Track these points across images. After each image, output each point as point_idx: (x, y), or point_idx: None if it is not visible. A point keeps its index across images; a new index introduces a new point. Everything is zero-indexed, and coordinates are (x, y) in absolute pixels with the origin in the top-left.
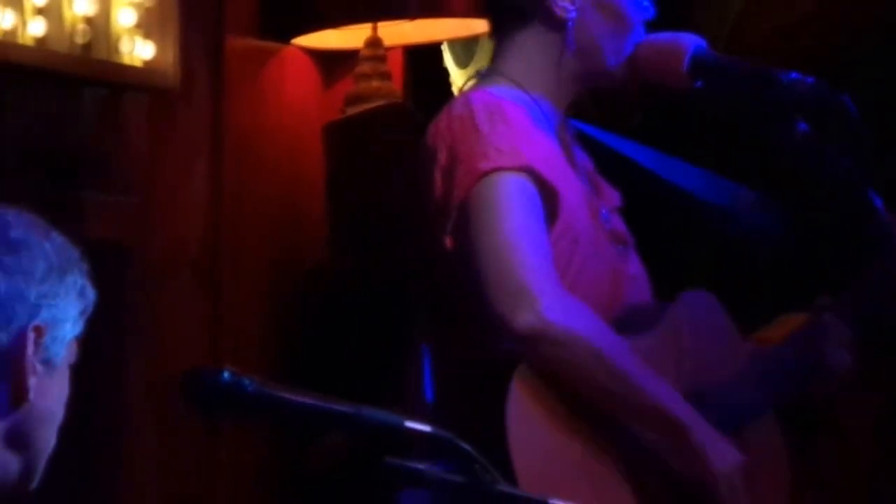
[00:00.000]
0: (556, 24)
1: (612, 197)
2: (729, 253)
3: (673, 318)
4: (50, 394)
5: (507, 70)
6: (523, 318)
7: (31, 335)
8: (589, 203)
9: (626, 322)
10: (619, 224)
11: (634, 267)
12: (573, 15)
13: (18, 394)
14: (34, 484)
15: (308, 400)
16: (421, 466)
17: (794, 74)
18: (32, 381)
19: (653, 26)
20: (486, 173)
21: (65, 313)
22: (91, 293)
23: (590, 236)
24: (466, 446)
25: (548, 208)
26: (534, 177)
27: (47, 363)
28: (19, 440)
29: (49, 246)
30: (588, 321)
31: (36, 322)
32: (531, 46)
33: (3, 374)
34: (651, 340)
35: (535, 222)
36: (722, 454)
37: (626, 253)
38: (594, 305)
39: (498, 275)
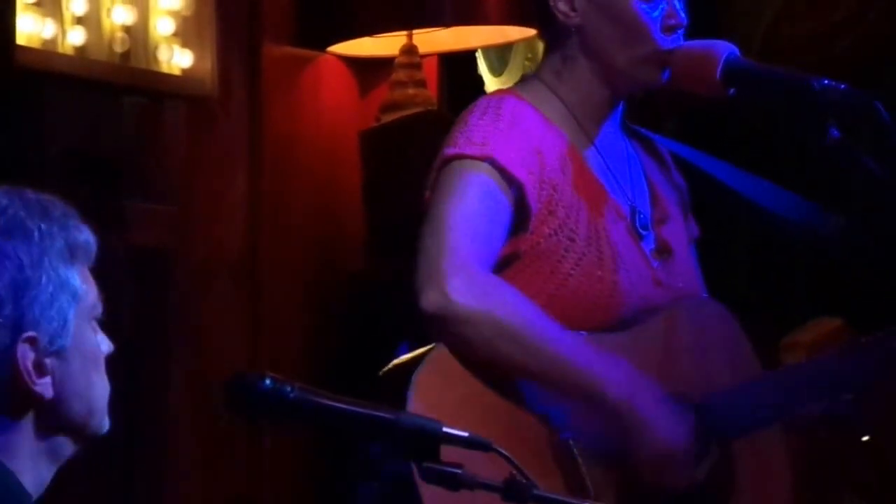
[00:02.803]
0: (566, 30)
1: (669, 207)
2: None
3: (665, 321)
4: (73, 374)
5: (542, 73)
6: (430, 298)
7: (22, 348)
8: (616, 206)
9: (625, 322)
10: (668, 234)
11: (673, 277)
12: (577, 21)
13: (28, 404)
14: (104, 429)
15: (348, 406)
16: (458, 470)
17: (826, 81)
18: (45, 384)
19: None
20: (449, 159)
21: (55, 300)
22: (84, 241)
23: (595, 234)
24: (505, 452)
25: (514, 196)
26: (496, 168)
27: (59, 353)
28: (56, 428)
29: (14, 248)
30: (501, 301)
31: (25, 335)
32: (553, 51)
33: (2, 395)
34: (626, 337)
35: (479, 208)
36: (659, 436)
37: (665, 263)
38: (587, 301)
39: (423, 257)
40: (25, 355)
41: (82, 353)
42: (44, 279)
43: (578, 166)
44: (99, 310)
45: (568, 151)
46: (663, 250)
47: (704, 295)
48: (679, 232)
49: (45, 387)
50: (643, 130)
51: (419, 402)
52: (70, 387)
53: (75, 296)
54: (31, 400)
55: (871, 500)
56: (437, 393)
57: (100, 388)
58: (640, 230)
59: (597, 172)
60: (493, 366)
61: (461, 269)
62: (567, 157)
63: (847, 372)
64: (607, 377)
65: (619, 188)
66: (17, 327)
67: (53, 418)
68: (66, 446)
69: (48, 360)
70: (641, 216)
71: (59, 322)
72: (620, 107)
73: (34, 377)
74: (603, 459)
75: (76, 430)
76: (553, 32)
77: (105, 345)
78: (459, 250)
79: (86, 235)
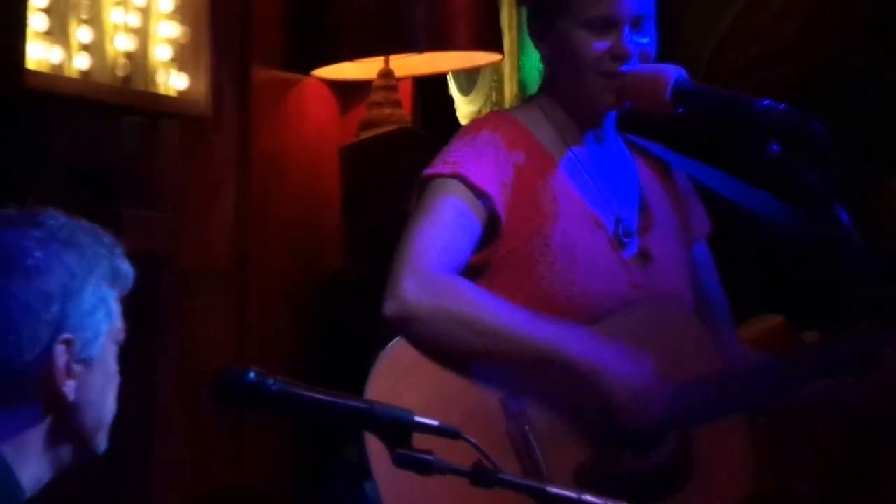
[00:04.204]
0: (545, 60)
1: (657, 216)
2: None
3: (625, 318)
4: (93, 385)
5: (537, 93)
6: (389, 305)
7: (59, 349)
8: (592, 215)
9: (596, 320)
10: (651, 241)
11: (654, 280)
12: (546, 52)
13: (53, 403)
14: (102, 448)
15: (326, 397)
16: (429, 457)
17: (767, 101)
18: (70, 386)
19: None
20: (426, 178)
21: (94, 312)
22: (126, 271)
23: (573, 241)
24: (472, 440)
25: (485, 210)
26: (465, 183)
27: (86, 361)
28: (66, 434)
29: (68, 258)
30: (451, 295)
31: (63, 336)
32: (543, 76)
33: (34, 390)
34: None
35: (444, 220)
36: (621, 375)
37: (648, 265)
38: (559, 301)
39: (390, 269)
40: (60, 355)
41: (104, 368)
42: (88, 291)
43: (558, 180)
44: (122, 337)
45: (549, 166)
46: (645, 256)
47: (682, 298)
48: (665, 238)
49: (69, 389)
50: (645, 143)
51: (374, 397)
52: (89, 395)
53: (110, 315)
54: (56, 399)
55: (811, 480)
56: (391, 387)
57: (110, 405)
58: (623, 238)
59: (576, 186)
60: (456, 355)
61: (414, 272)
62: (547, 172)
63: (802, 370)
64: (566, 341)
65: (601, 200)
66: (58, 328)
67: (68, 423)
68: (68, 456)
69: (76, 366)
70: (625, 224)
71: (92, 333)
72: (607, 124)
73: (63, 377)
74: (560, 437)
75: (83, 440)
76: (542, 61)
77: (117, 373)
78: (418, 258)
79: (127, 267)
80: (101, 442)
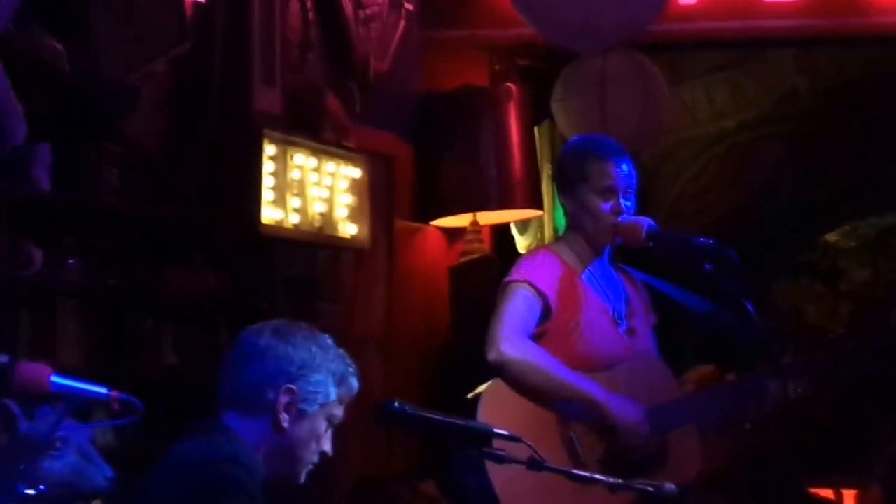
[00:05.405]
0: (568, 214)
1: (636, 308)
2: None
3: (628, 368)
4: (301, 430)
5: (564, 235)
6: (491, 354)
7: (283, 391)
8: (603, 307)
9: (606, 368)
10: (635, 323)
11: (639, 344)
12: (570, 209)
13: (276, 424)
14: (300, 481)
15: (443, 418)
16: (502, 452)
17: (702, 238)
18: (285, 418)
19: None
20: (506, 283)
21: (316, 388)
22: (352, 384)
23: (593, 322)
24: (528, 442)
25: (542, 302)
26: (531, 286)
27: (300, 413)
28: (283, 453)
29: (316, 352)
30: (534, 355)
31: (289, 385)
32: (568, 223)
33: (267, 410)
34: (606, 376)
35: (520, 306)
36: (625, 414)
37: (634, 337)
38: (585, 357)
39: (489, 332)
40: (284, 395)
41: (312, 428)
42: (317, 376)
43: (581, 286)
44: (336, 421)
45: (576, 279)
46: (632, 332)
47: (654, 355)
48: (642, 322)
49: (283, 419)
50: (625, 267)
51: (484, 413)
52: (293, 434)
53: (326, 398)
54: (276, 421)
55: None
56: (494, 408)
57: (309, 454)
58: (618, 320)
59: (593, 289)
60: (532, 391)
61: (508, 336)
62: (575, 282)
63: (729, 399)
64: (596, 393)
65: (606, 297)
66: (291, 379)
67: (281, 445)
68: (278, 473)
69: (293, 410)
70: (618, 312)
71: (310, 398)
72: (606, 253)
73: (282, 409)
74: (591, 440)
75: (288, 461)
76: (567, 214)
77: (327, 445)
78: (508, 326)
79: (355, 382)
80: (300, 474)
